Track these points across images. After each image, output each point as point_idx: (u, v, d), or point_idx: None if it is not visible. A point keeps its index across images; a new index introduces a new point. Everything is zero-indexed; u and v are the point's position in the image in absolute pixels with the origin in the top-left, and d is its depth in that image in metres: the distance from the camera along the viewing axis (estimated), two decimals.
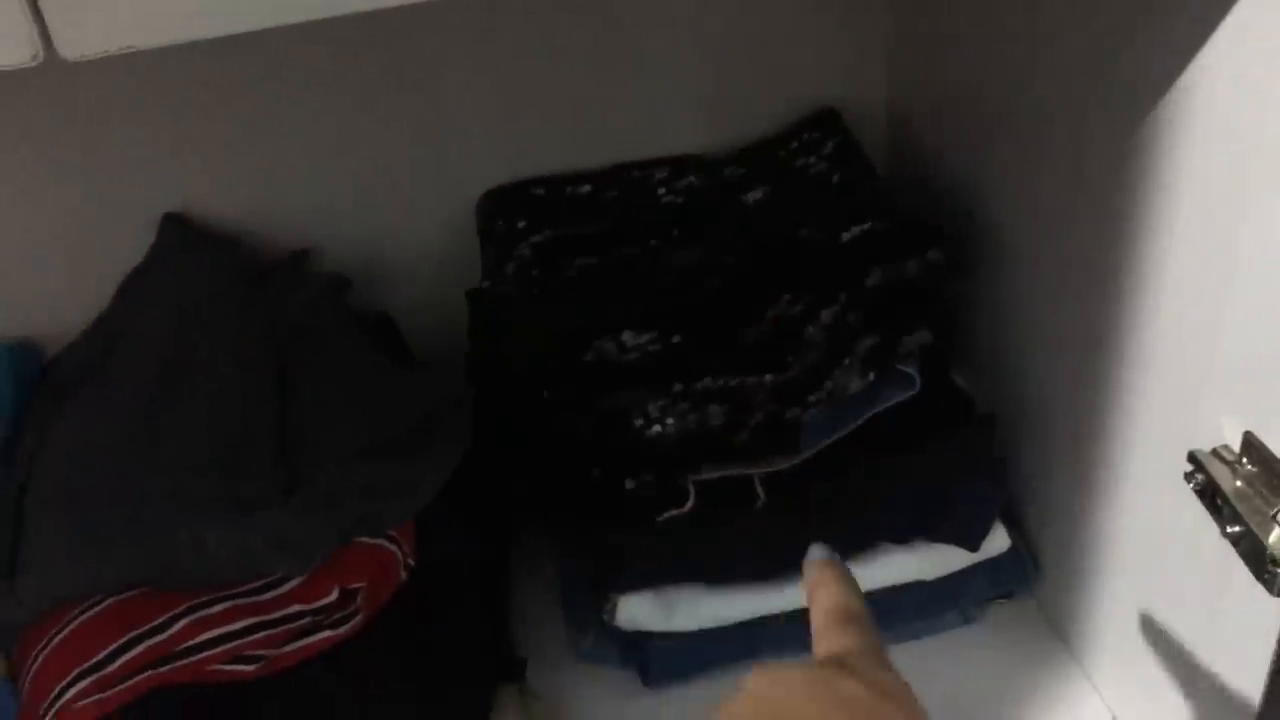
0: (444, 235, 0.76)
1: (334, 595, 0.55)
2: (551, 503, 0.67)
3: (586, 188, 0.75)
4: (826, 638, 0.42)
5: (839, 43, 0.77)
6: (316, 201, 0.73)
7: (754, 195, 0.74)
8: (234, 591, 0.55)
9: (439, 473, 0.60)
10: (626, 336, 0.65)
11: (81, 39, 0.35)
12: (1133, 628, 0.60)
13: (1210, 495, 0.47)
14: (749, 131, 0.77)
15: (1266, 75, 0.43)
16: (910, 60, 0.75)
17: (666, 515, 0.61)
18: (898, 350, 0.62)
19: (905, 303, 0.64)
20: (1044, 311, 0.63)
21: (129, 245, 0.69)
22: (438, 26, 0.70)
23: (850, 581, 0.45)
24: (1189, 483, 0.48)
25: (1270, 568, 0.44)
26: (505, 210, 0.74)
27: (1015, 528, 0.67)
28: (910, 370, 0.62)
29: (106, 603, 0.55)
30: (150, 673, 0.53)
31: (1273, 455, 0.45)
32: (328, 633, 0.56)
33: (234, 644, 0.54)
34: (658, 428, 0.61)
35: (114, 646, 0.53)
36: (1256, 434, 0.46)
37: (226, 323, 0.65)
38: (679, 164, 0.75)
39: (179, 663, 0.54)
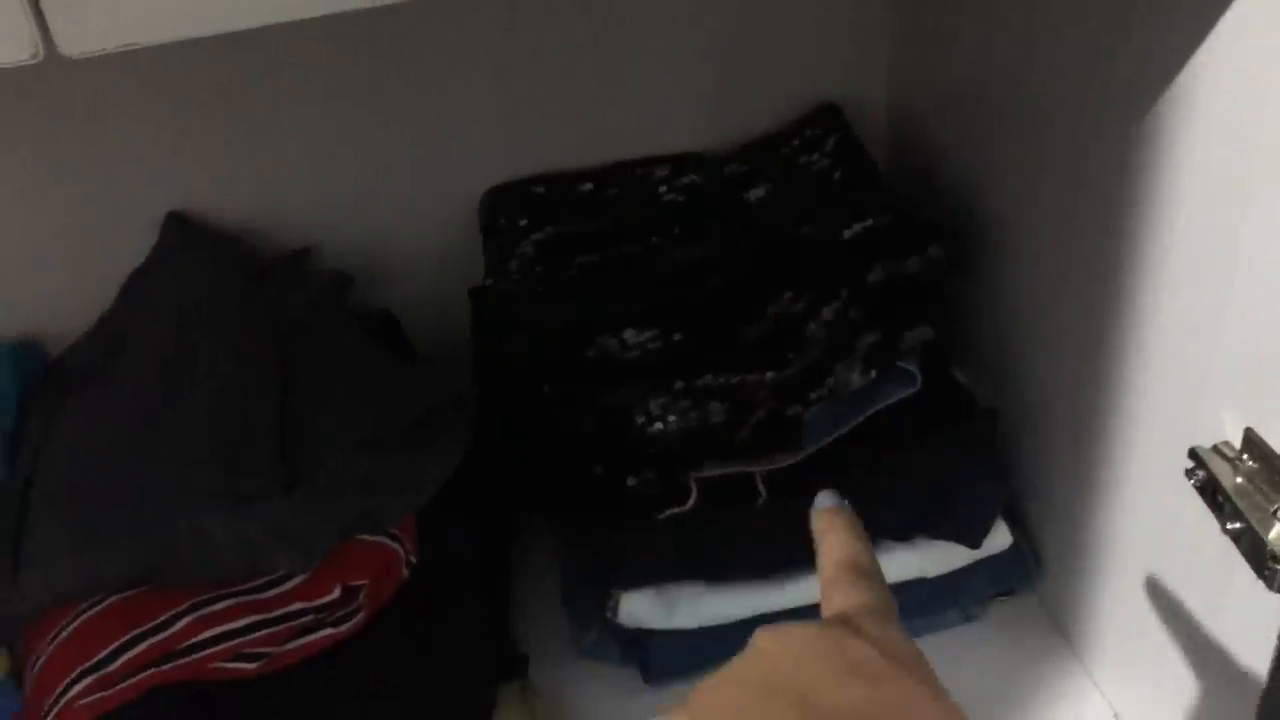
0: (446, 233, 0.76)
1: (336, 593, 0.55)
2: (553, 500, 0.67)
3: (588, 186, 0.75)
4: (836, 592, 0.41)
5: (840, 39, 0.77)
6: (318, 200, 0.73)
7: (755, 192, 0.74)
8: (236, 589, 0.55)
9: (441, 469, 0.60)
10: (628, 334, 0.65)
11: (82, 36, 0.35)
12: (1135, 624, 0.60)
13: (1211, 492, 0.47)
14: (750, 128, 0.77)
15: (1266, 72, 0.43)
16: (912, 57, 0.75)
17: (668, 513, 0.61)
18: (899, 347, 0.62)
19: (906, 299, 0.64)
20: (1045, 308, 0.63)
21: (131, 244, 0.69)
22: (439, 24, 0.70)
23: (859, 531, 0.44)
24: (1190, 479, 0.48)
25: (1271, 564, 0.44)
26: (507, 208, 0.74)
27: (1017, 524, 0.67)
28: (911, 367, 0.62)
29: (109, 601, 0.55)
30: (153, 671, 0.53)
31: (1273, 452, 0.45)
32: (329, 630, 0.56)
33: (236, 642, 0.54)
34: (659, 425, 0.61)
35: (116, 644, 0.53)
36: (1257, 430, 0.46)
37: (228, 320, 0.65)
38: (680, 161, 0.75)
39: (181, 661, 0.54)
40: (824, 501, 0.45)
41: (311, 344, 0.65)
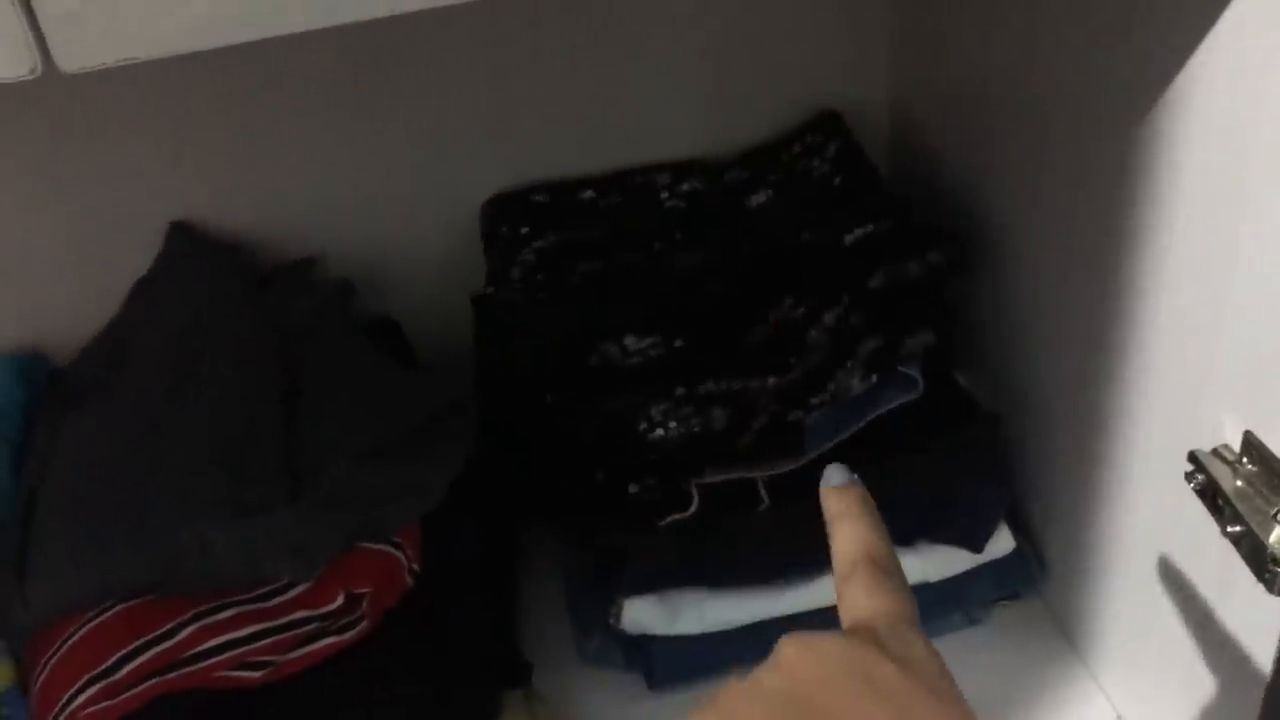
0: (447, 241, 0.76)
1: (339, 601, 0.55)
2: (556, 506, 0.67)
3: (589, 193, 0.75)
4: (854, 592, 0.39)
5: (841, 43, 0.77)
6: (320, 208, 0.74)
7: (756, 199, 0.74)
8: (240, 598, 0.55)
9: (444, 476, 0.60)
10: (630, 340, 0.65)
11: (79, 51, 0.35)
12: (1138, 628, 0.60)
13: (1211, 495, 0.47)
14: (751, 134, 0.77)
15: (1264, 72, 0.43)
16: (912, 60, 0.75)
17: (670, 519, 0.61)
18: (900, 352, 0.63)
19: (907, 304, 0.64)
20: (1046, 310, 0.63)
21: (135, 255, 0.70)
22: (438, 33, 0.70)
23: (875, 516, 0.41)
24: (1190, 483, 0.48)
25: (1271, 567, 0.44)
26: (509, 216, 0.74)
27: (1020, 529, 0.67)
28: (913, 372, 0.62)
29: (114, 610, 0.55)
30: (158, 679, 0.53)
31: (1273, 455, 0.45)
32: (333, 638, 0.56)
33: (241, 650, 0.54)
34: (660, 431, 0.61)
35: (122, 653, 0.53)
36: (1256, 434, 0.46)
37: (231, 329, 0.65)
38: (681, 168, 0.76)
39: (186, 669, 0.54)
40: (835, 477, 0.43)
41: (314, 352, 0.65)
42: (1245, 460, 0.46)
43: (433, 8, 0.38)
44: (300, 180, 0.73)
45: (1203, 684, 0.55)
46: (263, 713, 0.54)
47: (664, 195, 0.75)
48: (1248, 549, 0.45)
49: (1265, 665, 0.49)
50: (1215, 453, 0.47)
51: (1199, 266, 0.49)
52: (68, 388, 0.67)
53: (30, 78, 0.35)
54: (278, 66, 0.69)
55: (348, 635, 0.56)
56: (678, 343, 0.65)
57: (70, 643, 0.54)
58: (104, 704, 0.53)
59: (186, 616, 0.54)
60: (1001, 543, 0.65)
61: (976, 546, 0.65)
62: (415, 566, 0.58)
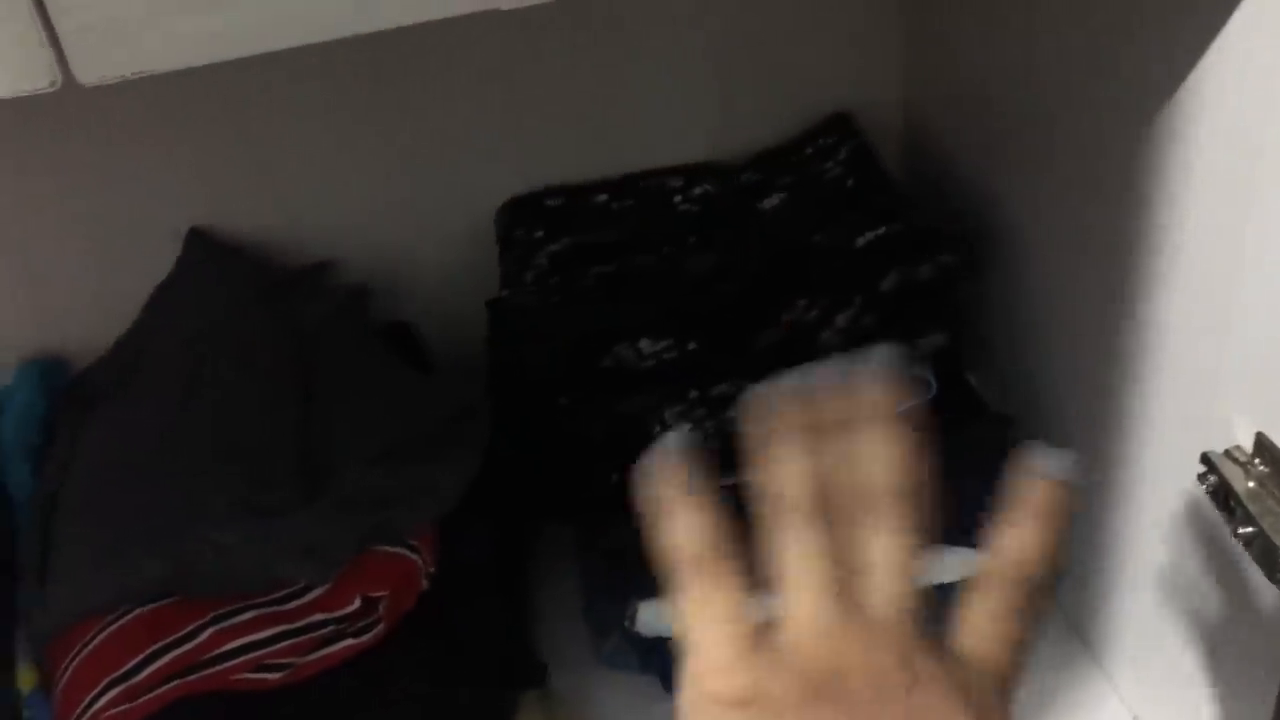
0: (461, 245, 0.77)
1: (356, 604, 0.56)
2: (570, 508, 0.67)
3: (603, 197, 0.75)
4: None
5: (852, 46, 0.77)
6: (335, 214, 0.74)
7: (769, 201, 0.74)
8: (258, 601, 0.56)
9: (459, 479, 0.60)
10: (643, 343, 0.66)
11: (98, 64, 0.36)
12: (1152, 628, 0.60)
13: (1223, 496, 0.47)
14: (763, 137, 0.78)
15: (1273, 72, 0.43)
16: (924, 62, 0.76)
17: None
18: (912, 354, 0.63)
19: (919, 306, 0.65)
20: (1057, 312, 0.63)
21: (154, 261, 0.70)
22: (452, 39, 0.70)
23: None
24: (1201, 484, 0.48)
25: None
26: (523, 220, 0.74)
27: None
28: (924, 374, 0.63)
29: (134, 613, 0.56)
30: (177, 682, 0.54)
31: None
32: (350, 641, 0.56)
33: (259, 653, 0.55)
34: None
35: (142, 656, 0.54)
36: (1268, 434, 0.46)
37: (248, 333, 0.66)
38: (694, 172, 0.76)
39: (205, 672, 0.54)
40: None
41: (330, 356, 0.66)
42: (1257, 461, 0.46)
43: (442, 17, 0.38)
44: (316, 186, 0.73)
45: (1216, 684, 0.55)
46: (280, 715, 0.55)
47: (677, 198, 0.75)
48: (1259, 550, 0.45)
49: (1277, 666, 0.49)
50: (1227, 454, 0.47)
51: (1209, 268, 0.49)
52: (87, 393, 0.68)
53: (50, 90, 0.36)
54: (293, 74, 0.69)
55: (365, 638, 0.57)
56: (691, 345, 0.65)
57: (90, 646, 0.55)
58: (124, 706, 0.53)
59: (205, 619, 0.55)
60: None
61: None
62: (431, 569, 0.59)
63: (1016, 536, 0.36)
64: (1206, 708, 0.56)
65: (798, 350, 0.64)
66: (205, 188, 0.72)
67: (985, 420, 0.65)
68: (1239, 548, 0.47)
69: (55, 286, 0.72)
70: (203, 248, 0.71)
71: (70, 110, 0.67)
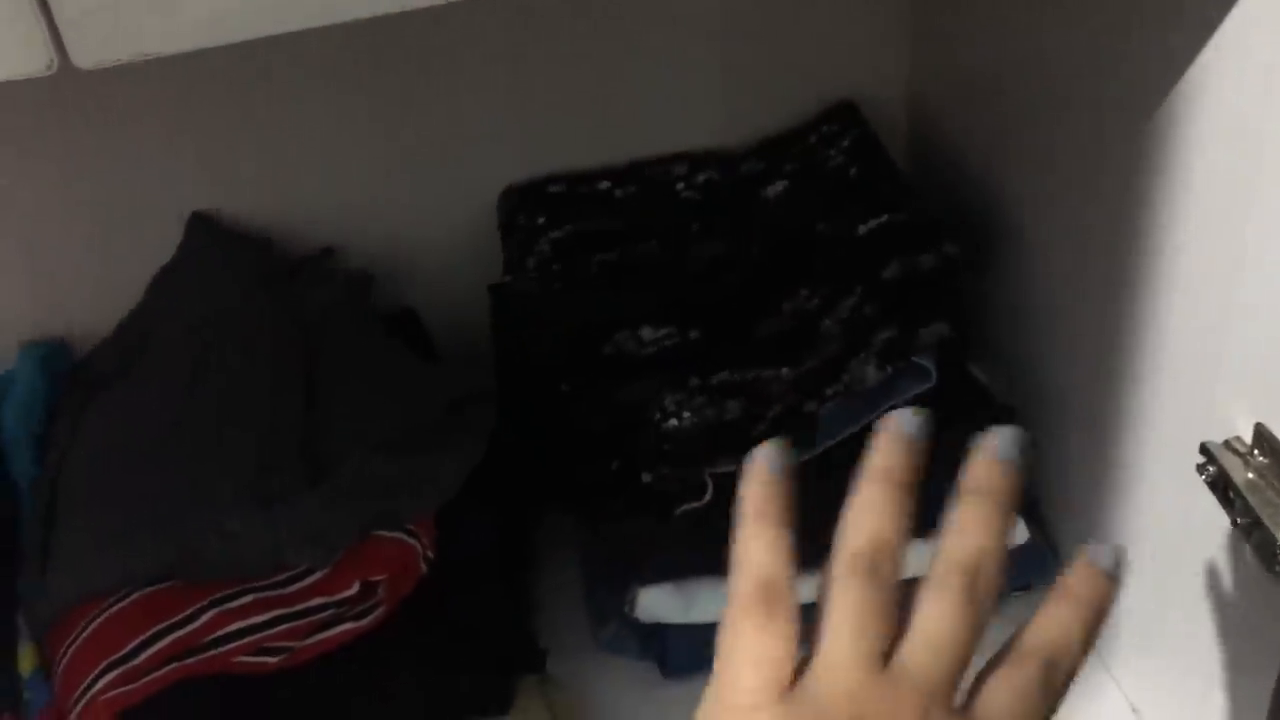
0: (465, 231, 0.77)
1: (355, 588, 0.56)
2: (571, 495, 0.67)
3: (606, 184, 0.75)
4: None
5: (857, 34, 0.77)
6: (338, 200, 0.74)
7: (772, 189, 0.74)
8: (258, 584, 0.56)
9: (462, 466, 0.60)
10: (645, 331, 0.66)
11: (95, 47, 0.36)
12: (1151, 619, 0.60)
13: (1222, 487, 0.47)
14: (767, 125, 0.77)
15: (1274, 67, 0.43)
16: (929, 51, 0.75)
17: (685, 508, 0.62)
18: (914, 343, 0.63)
19: (922, 295, 0.65)
20: (1060, 304, 0.63)
21: (156, 246, 0.70)
22: (456, 24, 0.70)
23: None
24: (1201, 475, 0.48)
25: None
26: (526, 207, 0.74)
27: (1034, 520, 0.67)
28: (926, 363, 0.63)
29: (134, 596, 0.56)
30: (177, 664, 0.54)
31: None
32: (349, 625, 0.57)
33: (258, 636, 0.55)
34: (675, 421, 0.62)
35: (141, 639, 0.54)
36: (1268, 426, 0.46)
37: (252, 320, 0.66)
38: (697, 159, 0.76)
39: (204, 654, 0.55)
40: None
41: (333, 342, 0.66)
42: (1256, 452, 0.46)
43: (446, 2, 0.38)
44: (319, 172, 0.73)
45: (1216, 675, 0.55)
46: (279, 698, 0.55)
47: (680, 186, 0.75)
48: (1257, 541, 0.45)
49: (1276, 656, 0.49)
50: (1227, 445, 0.47)
51: (1211, 261, 0.49)
52: (90, 378, 0.68)
53: (47, 74, 0.35)
54: (295, 59, 0.69)
55: (364, 622, 0.57)
56: (693, 333, 0.65)
57: (90, 628, 0.55)
58: (124, 688, 0.53)
59: (205, 602, 0.55)
60: (1015, 534, 0.65)
61: None
62: (430, 554, 0.59)
63: (1056, 618, 0.36)
64: (1205, 698, 0.56)
65: (800, 339, 0.64)
66: (208, 172, 0.72)
67: (989, 411, 0.65)
68: (1238, 538, 0.46)
69: (58, 271, 0.72)
70: (205, 233, 0.72)
71: (73, 94, 0.67)
